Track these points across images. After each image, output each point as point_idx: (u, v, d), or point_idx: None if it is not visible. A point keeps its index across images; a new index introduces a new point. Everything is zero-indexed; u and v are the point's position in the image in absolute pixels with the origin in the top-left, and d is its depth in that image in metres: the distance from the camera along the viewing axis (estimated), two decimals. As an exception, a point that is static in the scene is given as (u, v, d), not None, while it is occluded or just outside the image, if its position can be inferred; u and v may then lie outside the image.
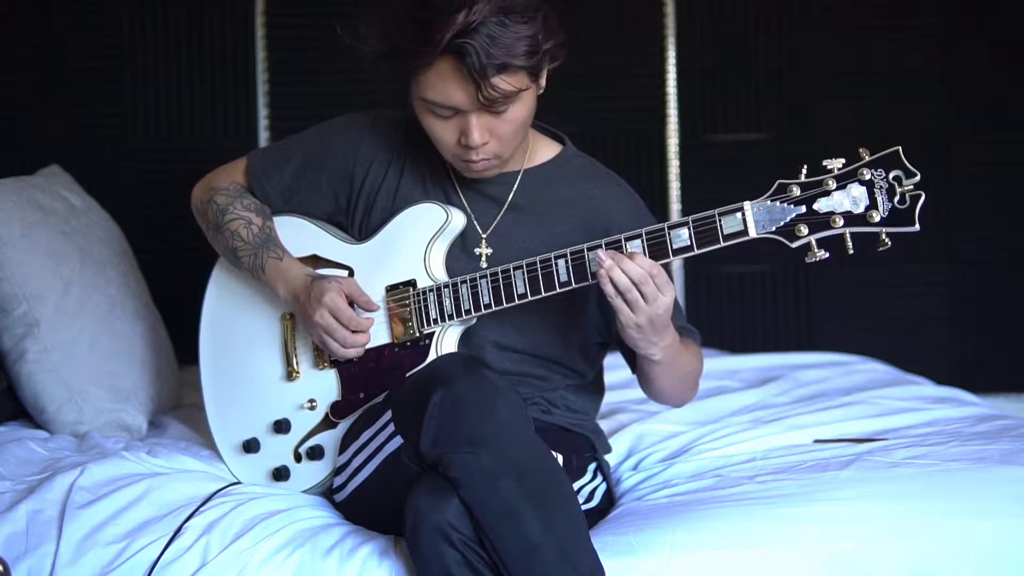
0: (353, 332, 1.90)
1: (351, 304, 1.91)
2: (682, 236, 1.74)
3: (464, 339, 1.92)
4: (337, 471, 1.94)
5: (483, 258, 1.95)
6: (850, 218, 1.66)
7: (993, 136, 3.44)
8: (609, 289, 1.74)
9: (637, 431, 2.27)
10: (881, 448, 2.04)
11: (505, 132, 1.81)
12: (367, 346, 1.93)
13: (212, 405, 2.12)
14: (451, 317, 1.88)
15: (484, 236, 1.95)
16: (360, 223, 2.01)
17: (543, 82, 1.82)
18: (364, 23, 1.80)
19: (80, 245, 2.39)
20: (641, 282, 1.73)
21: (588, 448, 2.02)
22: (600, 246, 1.78)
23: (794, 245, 1.70)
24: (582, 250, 1.79)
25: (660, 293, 1.75)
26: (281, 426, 2.01)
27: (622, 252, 1.77)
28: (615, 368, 2.16)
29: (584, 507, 1.88)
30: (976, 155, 3.43)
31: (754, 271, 3.44)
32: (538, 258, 1.82)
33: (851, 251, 1.67)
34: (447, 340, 1.90)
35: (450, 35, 1.69)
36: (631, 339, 1.80)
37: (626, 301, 1.74)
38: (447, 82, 1.74)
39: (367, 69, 1.83)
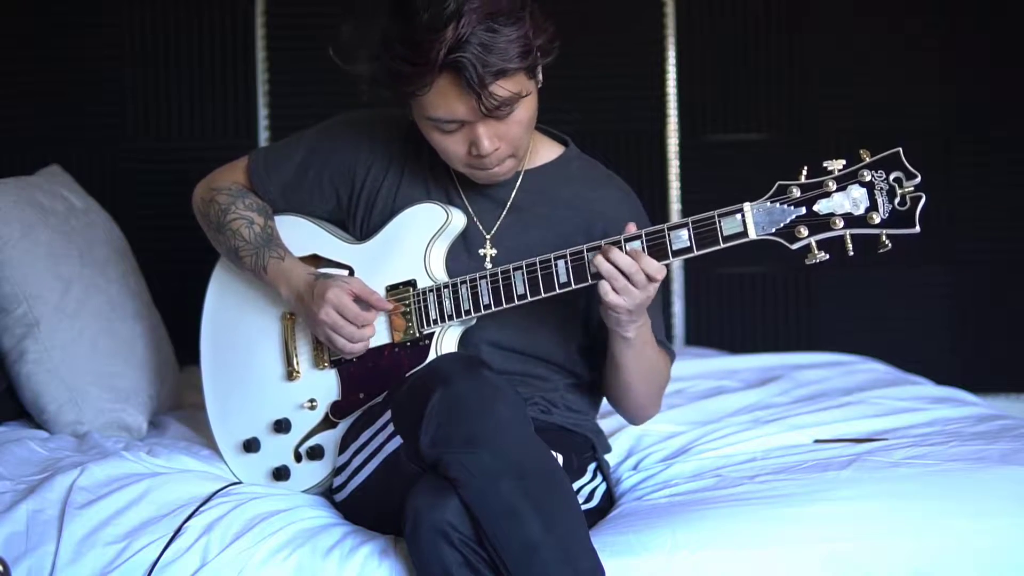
0: (360, 328, 1.90)
1: (357, 302, 1.91)
2: (682, 237, 1.73)
3: (464, 339, 1.92)
4: (337, 471, 1.94)
5: (487, 258, 1.95)
6: (850, 220, 1.65)
7: (993, 136, 3.44)
8: (605, 268, 1.74)
9: (637, 431, 2.27)
10: (881, 448, 2.04)
11: (514, 134, 1.81)
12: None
13: (212, 404, 2.12)
14: (451, 317, 1.88)
15: (488, 237, 1.95)
16: (361, 222, 2.01)
17: (540, 77, 1.81)
18: (353, 53, 1.79)
19: (80, 245, 2.39)
20: (631, 272, 1.73)
21: (588, 448, 2.02)
22: (600, 247, 1.78)
23: (794, 247, 1.69)
24: (582, 251, 1.79)
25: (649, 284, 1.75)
26: (281, 426, 2.01)
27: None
28: (615, 368, 2.16)
29: (584, 507, 1.88)
30: (976, 155, 3.44)
31: (754, 272, 3.45)
32: (538, 259, 1.82)
33: (851, 253, 1.67)
34: (447, 340, 1.90)
35: (444, 52, 1.68)
36: (612, 317, 1.80)
37: (614, 288, 1.74)
38: (448, 98, 1.74)
39: (364, 94, 1.82)
